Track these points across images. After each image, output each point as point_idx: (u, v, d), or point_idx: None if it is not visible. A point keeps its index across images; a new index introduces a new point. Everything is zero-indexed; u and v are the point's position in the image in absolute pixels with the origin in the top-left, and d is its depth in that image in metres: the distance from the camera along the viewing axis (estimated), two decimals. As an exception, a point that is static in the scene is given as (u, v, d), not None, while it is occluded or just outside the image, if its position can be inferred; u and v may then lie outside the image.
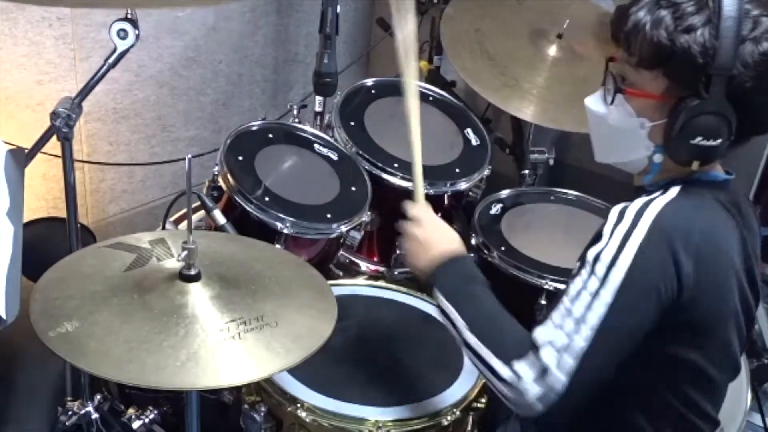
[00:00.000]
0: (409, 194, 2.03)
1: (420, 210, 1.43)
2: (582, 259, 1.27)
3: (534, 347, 1.15)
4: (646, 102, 1.20)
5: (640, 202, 1.18)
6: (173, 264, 1.36)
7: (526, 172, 2.50)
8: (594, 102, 1.28)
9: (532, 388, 1.13)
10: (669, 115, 1.17)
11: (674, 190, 1.20)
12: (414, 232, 1.39)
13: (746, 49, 1.11)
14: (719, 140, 1.14)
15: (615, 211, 1.19)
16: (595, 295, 1.13)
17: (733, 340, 1.24)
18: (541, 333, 1.16)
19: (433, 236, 1.38)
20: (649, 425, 1.25)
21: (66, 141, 1.61)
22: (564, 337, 1.13)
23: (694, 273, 1.13)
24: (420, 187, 1.47)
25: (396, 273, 2.16)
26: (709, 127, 1.14)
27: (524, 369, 1.14)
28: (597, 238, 1.19)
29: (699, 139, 1.14)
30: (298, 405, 1.45)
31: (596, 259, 1.15)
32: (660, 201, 1.17)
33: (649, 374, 1.22)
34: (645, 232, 1.13)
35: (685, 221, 1.16)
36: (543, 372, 1.13)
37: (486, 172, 2.19)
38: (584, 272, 1.16)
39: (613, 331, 1.13)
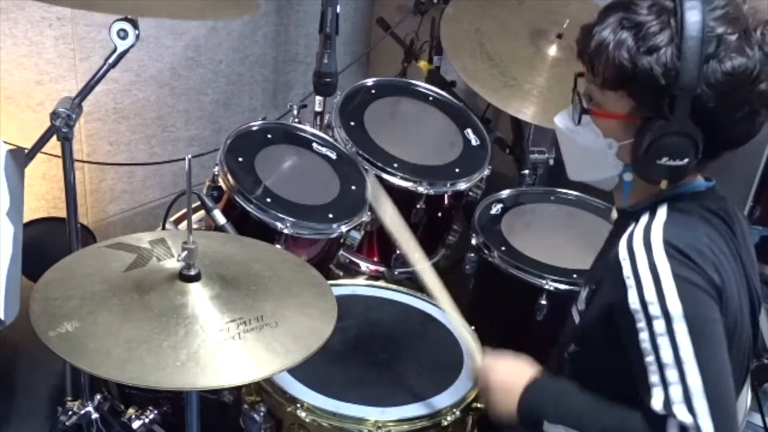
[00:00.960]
0: (409, 194, 2.05)
1: (482, 360, 1.40)
2: (591, 280, 1.28)
3: (661, 418, 1.10)
4: (612, 122, 1.19)
5: (639, 233, 1.17)
6: (173, 264, 1.36)
7: (526, 172, 2.50)
8: (563, 120, 1.28)
9: None
10: (635, 135, 1.17)
11: (662, 211, 1.20)
12: (487, 382, 1.35)
13: (710, 68, 1.09)
14: (686, 160, 1.14)
15: (623, 252, 1.16)
16: (671, 332, 1.10)
17: (745, 343, 1.24)
18: (656, 402, 1.10)
19: (503, 380, 1.32)
20: None
21: (66, 141, 1.61)
22: (678, 388, 1.09)
23: (721, 284, 1.13)
24: (472, 342, 1.45)
25: (396, 273, 2.16)
26: (675, 148, 1.13)
27: None
28: (612, 282, 1.17)
29: (665, 159, 1.14)
30: (298, 405, 1.45)
31: (644, 304, 1.12)
32: (657, 227, 1.16)
33: None
34: (666, 259, 1.12)
35: (691, 240, 1.15)
36: (685, 431, 1.08)
37: (486, 172, 2.19)
38: (641, 324, 1.12)
39: (711, 351, 1.11)
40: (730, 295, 1.16)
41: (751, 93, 1.11)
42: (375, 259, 2.17)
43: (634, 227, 1.19)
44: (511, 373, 1.32)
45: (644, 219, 1.20)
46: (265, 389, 1.51)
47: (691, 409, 1.08)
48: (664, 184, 1.18)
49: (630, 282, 1.13)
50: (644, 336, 1.11)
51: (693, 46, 1.08)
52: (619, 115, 1.18)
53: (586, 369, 1.28)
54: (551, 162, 2.52)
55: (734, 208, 1.27)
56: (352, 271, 2.11)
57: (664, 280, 1.11)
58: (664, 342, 1.10)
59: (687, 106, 1.10)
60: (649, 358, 1.11)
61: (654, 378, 1.11)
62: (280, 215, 1.82)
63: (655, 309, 1.10)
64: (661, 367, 1.10)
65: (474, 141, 2.25)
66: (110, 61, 1.62)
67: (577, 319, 1.32)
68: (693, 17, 1.08)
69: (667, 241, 1.13)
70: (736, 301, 1.18)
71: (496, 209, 2.16)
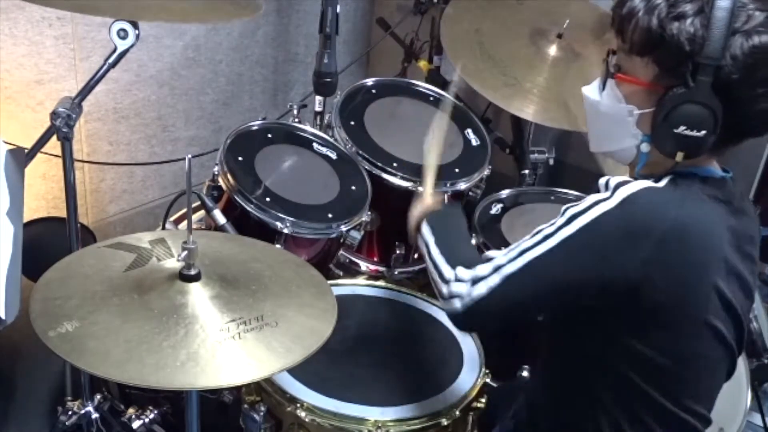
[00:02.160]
0: (409, 194, 2.05)
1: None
2: None
3: (478, 261, 1.28)
4: (635, 89, 1.22)
5: (620, 178, 1.21)
6: (173, 264, 1.36)
7: (526, 172, 2.50)
8: (590, 90, 1.31)
9: (460, 288, 1.26)
10: (657, 103, 1.18)
11: (664, 180, 1.22)
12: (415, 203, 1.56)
13: (736, 41, 1.11)
14: (703, 131, 1.15)
15: (602, 180, 1.23)
16: (544, 237, 1.20)
17: (707, 337, 1.23)
18: (491, 251, 1.29)
19: (426, 198, 1.56)
20: (629, 421, 1.25)
21: (66, 141, 1.61)
22: (503, 258, 1.23)
23: (652, 260, 1.14)
24: (429, 179, 1.65)
25: (396, 273, 2.16)
26: (693, 117, 1.14)
27: (463, 272, 1.27)
28: None
29: (682, 128, 1.15)
30: (298, 405, 1.45)
31: (564, 211, 1.22)
32: (643, 183, 1.19)
33: (618, 368, 1.23)
34: (615, 203, 1.16)
35: (658, 207, 1.16)
36: (475, 280, 1.25)
37: (486, 172, 2.19)
38: (549, 224, 1.23)
39: (540, 272, 1.20)
40: (671, 279, 1.15)
41: None
42: (375, 259, 2.17)
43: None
44: (432, 197, 1.56)
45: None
46: (265, 389, 1.51)
47: (490, 275, 1.24)
48: (679, 157, 1.18)
49: (579, 202, 1.22)
50: (542, 225, 1.24)
51: (722, 18, 1.10)
52: (643, 81, 1.20)
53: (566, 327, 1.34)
54: (551, 162, 2.52)
55: (747, 205, 1.27)
56: (352, 271, 2.10)
57: (589, 213, 1.18)
58: (537, 236, 1.22)
59: (710, 76, 1.12)
60: (527, 236, 1.25)
61: (513, 244, 1.26)
62: (280, 215, 1.82)
63: (561, 219, 1.21)
64: (519, 244, 1.24)
65: (474, 141, 2.25)
66: (110, 61, 1.62)
67: None
68: None
69: (633, 195, 1.16)
70: (687, 289, 1.17)
71: (496, 209, 2.16)
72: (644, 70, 1.20)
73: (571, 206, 1.22)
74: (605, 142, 1.32)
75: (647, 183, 1.19)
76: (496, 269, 1.23)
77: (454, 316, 1.28)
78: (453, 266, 1.31)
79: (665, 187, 1.20)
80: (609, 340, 1.22)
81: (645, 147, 1.24)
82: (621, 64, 1.23)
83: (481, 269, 1.25)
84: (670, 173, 1.22)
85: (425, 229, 1.44)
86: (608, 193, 1.18)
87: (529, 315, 1.38)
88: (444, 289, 1.30)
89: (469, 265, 1.28)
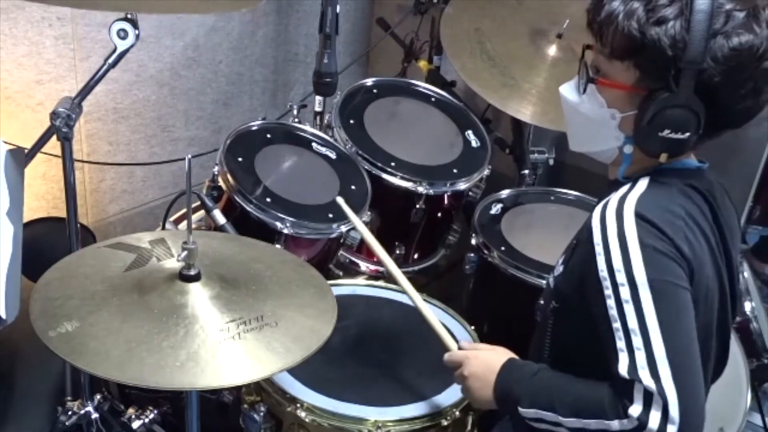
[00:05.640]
0: (408, 194, 2.05)
1: (455, 354, 1.42)
2: (566, 262, 1.30)
3: (627, 383, 1.12)
4: (617, 93, 1.21)
5: (614, 202, 1.19)
6: (173, 264, 1.36)
7: (526, 172, 2.49)
8: (568, 90, 1.30)
9: (653, 418, 1.09)
10: (639, 106, 1.18)
11: (643, 182, 1.22)
12: (463, 373, 1.37)
13: (717, 43, 1.11)
14: (687, 134, 1.15)
15: (596, 219, 1.19)
16: (636, 299, 1.12)
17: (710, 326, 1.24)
18: (621, 368, 1.12)
19: (480, 367, 1.35)
20: None
21: (66, 141, 1.61)
22: (642, 353, 1.11)
23: (690, 255, 1.15)
24: (445, 336, 1.47)
25: (396, 273, 2.16)
26: (677, 121, 1.14)
27: (636, 408, 1.10)
28: (585, 248, 1.19)
29: (667, 131, 1.15)
30: (298, 405, 1.45)
31: (611, 270, 1.14)
32: (633, 196, 1.18)
33: None
34: (635, 227, 1.14)
35: (664, 211, 1.17)
36: (650, 396, 1.10)
37: (486, 172, 2.19)
38: (608, 290, 1.14)
39: (675, 318, 1.13)
40: (700, 269, 1.17)
41: (756, 70, 1.13)
42: (375, 259, 2.17)
43: (612, 196, 1.21)
44: (487, 359, 1.35)
45: (624, 189, 1.22)
46: (265, 389, 1.51)
47: (655, 374, 1.10)
48: (663, 158, 1.19)
49: (599, 249, 1.16)
50: (611, 303, 1.14)
51: (701, 20, 1.10)
52: (625, 85, 1.20)
53: (566, 325, 1.30)
54: (551, 162, 2.51)
55: (722, 192, 1.28)
56: (352, 271, 2.11)
57: (631, 247, 1.13)
58: (629, 309, 1.12)
59: (692, 79, 1.12)
60: (616, 324, 1.14)
61: (620, 344, 1.13)
62: (280, 215, 1.83)
63: (621, 276, 1.13)
64: (626, 333, 1.12)
65: (474, 142, 2.25)
66: (110, 61, 1.62)
67: (552, 283, 1.35)
68: None
69: (638, 212, 1.15)
70: (704, 278, 1.18)
71: (496, 209, 2.16)
72: (625, 74, 1.19)
73: (606, 263, 1.14)
74: (586, 143, 1.32)
75: (633, 194, 1.18)
76: (652, 363, 1.10)
77: None
78: (617, 415, 1.12)
79: (651, 190, 1.20)
80: None
81: (628, 149, 1.24)
82: (600, 67, 1.23)
83: (645, 381, 1.09)
84: (647, 173, 1.23)
85: (532, 413, 1.22)
86: (615, 225, 1.15)
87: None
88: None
89: (624, 398, 1.12)
